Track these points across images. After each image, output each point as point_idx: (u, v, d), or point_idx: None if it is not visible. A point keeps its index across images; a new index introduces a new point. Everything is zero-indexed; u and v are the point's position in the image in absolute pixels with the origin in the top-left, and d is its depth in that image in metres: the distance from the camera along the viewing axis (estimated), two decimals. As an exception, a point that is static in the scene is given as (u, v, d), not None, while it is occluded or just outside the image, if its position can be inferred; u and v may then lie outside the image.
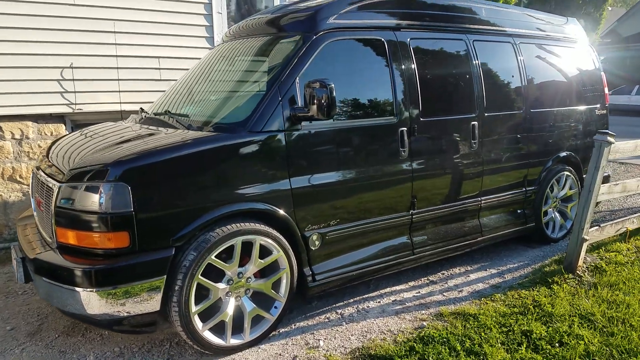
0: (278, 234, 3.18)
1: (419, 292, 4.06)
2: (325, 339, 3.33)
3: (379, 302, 3.87)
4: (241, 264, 3.12)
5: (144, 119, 3.80)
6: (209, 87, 3.81)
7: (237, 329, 3.15)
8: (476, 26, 4.40)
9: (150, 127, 3.51)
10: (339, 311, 3.72)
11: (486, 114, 4.32)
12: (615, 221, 4.68)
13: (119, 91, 4.68)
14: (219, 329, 3.08)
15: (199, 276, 2.91)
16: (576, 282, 4.10)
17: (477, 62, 4.29)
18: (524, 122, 4.68)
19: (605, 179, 5.79)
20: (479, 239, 4.46)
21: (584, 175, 5.33)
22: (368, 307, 3.79)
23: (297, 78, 3.23)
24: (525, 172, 4.77)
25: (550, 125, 4.96)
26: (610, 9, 39.96)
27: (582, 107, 5.33)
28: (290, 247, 3.26)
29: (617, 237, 5.02)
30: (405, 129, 3.76)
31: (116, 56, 4.92)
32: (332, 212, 3.46)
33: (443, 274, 4.44)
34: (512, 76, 4.62)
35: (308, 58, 3.32)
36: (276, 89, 3.18)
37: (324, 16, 3.48)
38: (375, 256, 3.77)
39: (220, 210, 2.93)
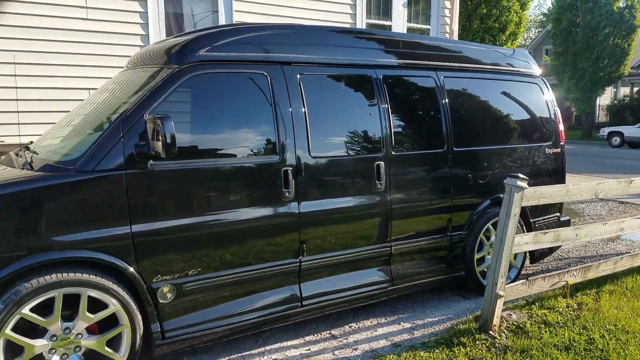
0: (114, 286, 2.91)
1: (309, 350, 3.68)
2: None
3: (256, 360, 3.52)
4: (72, 318, 2.87)
5: (18, 155, 3.65)
6: (80, 121, 3.63)
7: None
8: (389, 60, 4.11)
9: (1, 164, 3.35)
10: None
11: (395, 153, 3.98)
12: (550, 274, 4.18)
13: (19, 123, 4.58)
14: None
15: (7, 331, 2.66)
16: (487, 344, 3.63)
17: (384, 98, 3.98)
18: (446, 162, 4.30)
19: (566, 223, 5.31)
20: (388, 288, 4.06)
21: (532, 221, 4.90)
22: (239, 366, 3.45)
23: (147, 113, 2.99)
24: (449, 215, 4.36)
25: (482, 165, 4.54)
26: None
27: (526, 145, 4.89)
28: (132, 300, 2.98)
29: (561, 290, 4.49)
30: (291, 168, 3.47)
31: (15, 87, 4.85)
32: (190, 260, 3.17)
33: (350, 326, 4.05)
34: (431, 112, 4.27)
35: (164, 92, 3.10)
36: (118, 124, 2.96)
37: (194, 48, 3.28)
38: (253, 309, 3.44)
39: (33, 258, 2.69)
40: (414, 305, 4.48)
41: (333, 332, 3.96)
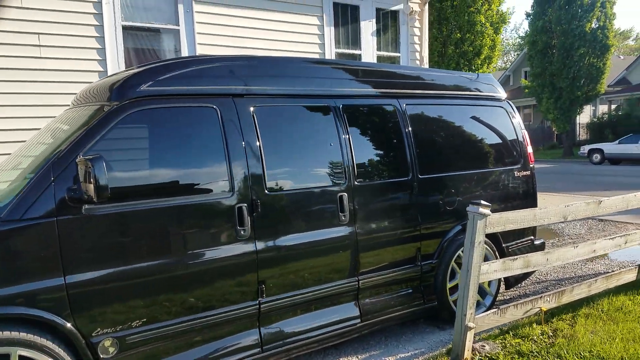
0: (49, 343, 2.71)
1: (272, 394, 3.49)
2: None
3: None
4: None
5: None
6: (16, 164, 3.49)
7: None
8: (349, 89, 4.05)
9: None
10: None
11: (358, 184, 3.89)
12: (522, 301, 4.07)
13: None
14: None
15: None
16: (458, 379, 3.48)
17: (344, 128, 3.90)
18: (411, 190, 4.22)
19: (540, 247, 5.22)
20: (357, 325, 3.90)
21: (504, 245, 4.81)
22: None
23: (81, 154, 2.85)
24: (417, 244, 4.25)
25: (450, 191, 4.47)
26: (622, 57, 39.64)
27: (494, 169, 4.84)
28: (69, 357, 2.78)
29: (536, 317, 4.37)
30: (246, 205, 3.34)
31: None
32: (134, 310, 2.98)
33: (320, 367, 3.87)
34: (394, 140, 4.21)
35: (101, 130, 2.96)
36: (49, 167, 2.80)
37: (135, 83, 3.16)
38: (209, 356, 3.25)
39: None
40: (387, 340, 4.32)
41: (300, 373, 3.78)
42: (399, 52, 7.85)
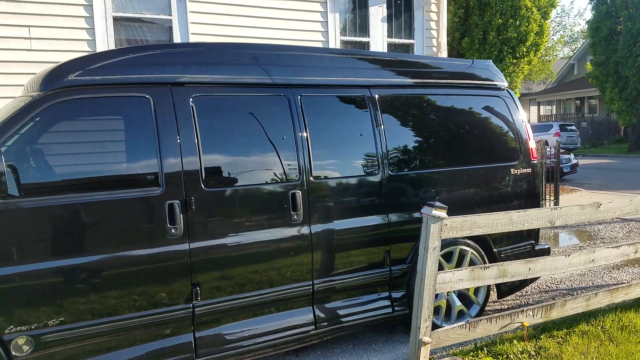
0: (-39, 335, 2.68)
1: (208, 400, 3.31)
2: None
3: (141, 412, 3.18)
4: None
5: None
6: None
7: None
8: (308, 77, 3.75)
9: None
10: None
11: (314, 180, 3.60)
12: (500, 314, 3.63)
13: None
14: None
15: None
16: (407, 399, 3.14)
17: (300, 119, 3.62)
18: (380, 188, 3.87)
19: (543, 253, 4.71)
20: (311, 332, 3.63)
21: (495, 250, 4.37)
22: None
23: None
24: (386, 247, 3.90)
25: (426, 190, 4.07)
26: None
27: (484, 166, 4.38)
28: (-15, 353, 2.74)
29: (522, 332, 3.90)
30: (178, 201, 3.16)
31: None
32: (49, 309, 2.88)
33: (270, 375, 3.65)
34: (360, 134, 3.87)
35: (20, 121, 2.86)
36: None
37: (62, 72, 3.05)
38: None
39: None
40: (355, 348, 4.02)
41: (246, 379, 3.57)
42: (413, 39, 7.37)
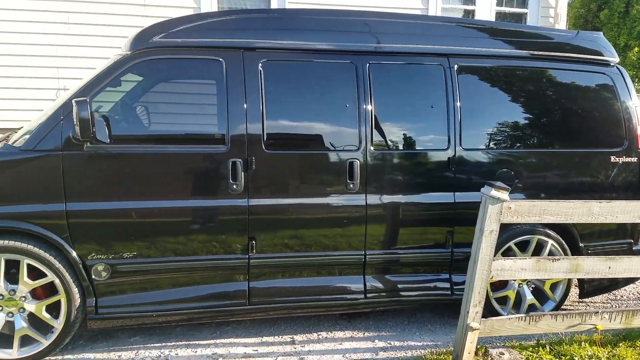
0: (50, 257, 3.14)
1: (255, 350, 3.52)
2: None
3: (195, 351, 3.48)
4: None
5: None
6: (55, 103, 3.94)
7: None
8: (375, 45, 3.63)
9: None
10: (143, 352, 3.45)
11: (374, 150, 3.54)
12: (569, 311, 3.32)
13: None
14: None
15: (-50, 284, 3.06)
16: (445, 383, 3.04)
17: (367, 89, 3.53)
18: (448, 164, 3.68)
19: (644, 253, 4.17)
20: (360, 301, 3.65)
21: (582, 245, 3.97)
22: (176, 354, 3.43)
23: (89, 97, 3.11)
24: (449, 228, 3.73)
25: (504, 171, 3.78)
26: None
27: (578, 150, 3.94)
28: (68, 274, 3.18)
29: (601, 336, 3.53)
30: (240, 160, 3.34)
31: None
32: (125, 243, 3.26)
33: (319, 334, 3.76)
34: (431, 106, 3.69)
35: (109, 77, 3.22)
36: (60, 108, 3.18)
37: (148, 34, 3.33)
38: (195, 299, 3.42)
39: None
40: (409, 325, 3.96)
41: (296, 337, 3.71)
42: (527, 8, 6.71)
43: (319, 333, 3.77)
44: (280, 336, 3.72)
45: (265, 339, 3.68)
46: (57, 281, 3.18)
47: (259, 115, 3.36)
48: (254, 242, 3.42)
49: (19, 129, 3.69)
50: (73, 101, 2.97)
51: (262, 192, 3.40)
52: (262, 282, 3.51)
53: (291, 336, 3.72)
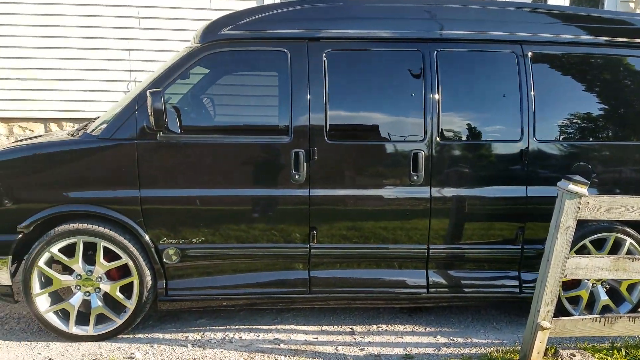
0: (124, 241, 3.30)
1: (316, 338, 3.54)
2: (147, 354, 3.28)
3: (258, 335, 3.55)
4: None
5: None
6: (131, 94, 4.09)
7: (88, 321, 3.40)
8: (444, 32, 3.50)
9: (61, 133, 3.99)
10: (208, 334, 3.56)
11: (441, 142, 3.45)
12: (650, 315, 3.10)
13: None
14: (67, 315, 3.40)
15: (40, 264, 3.28)
16: (512, 383, 2.94)
17: (434, 78, 3.41)
18: (520, 156, 3.52)
19: None
20: (422, 295, 3.58)
21: (664, 244, 3.70)
22: (240, 337, 3.52)
23: (162, 88, 3.21)
24: (520, 224, 3.57)
25: (581, 165, 3.57)
26: None
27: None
28: (141, 256, 3.33)
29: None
30: (302, 150, 3.35)
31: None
32: (194, 229, 3.37)
33: (379, 327, 3.73)
34: (503, 95, 3.53)
35: (180, 69, 3.31)
36: (135, 98, 3.31)
37: (217, 26, 3.40)
38: (258, 285, 3.49)
39: (53, 209, 3.24)
40: (473, 322, 3.85)
41: (355, 327, 3.71)
42: (601, -11, 6.27)
43: (379, 325, 3.74)
44: (340, 326, 3.72)
45: (324, 327, 3.70)
46: (130, 263, 3.33)
47: (322, 105, 3.35)
48: (314, 232, 3.43)
49: (96, 118, 3.89)
50: (148, 92, 3.09)
51: (324, 183, 3.39)
52: (323, 271, 3.52)
53: (350, 327, 3.72)
